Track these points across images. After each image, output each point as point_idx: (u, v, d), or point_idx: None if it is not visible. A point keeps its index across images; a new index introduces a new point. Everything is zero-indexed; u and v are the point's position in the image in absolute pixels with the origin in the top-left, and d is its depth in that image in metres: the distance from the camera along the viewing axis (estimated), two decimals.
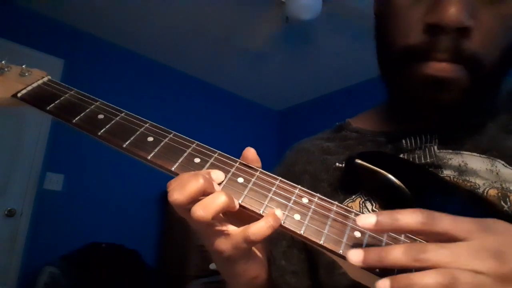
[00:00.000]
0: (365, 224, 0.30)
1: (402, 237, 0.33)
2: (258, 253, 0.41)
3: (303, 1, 2.15)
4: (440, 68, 0.41)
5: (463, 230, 0.28)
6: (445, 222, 0.28)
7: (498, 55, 0.42)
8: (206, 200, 0.33)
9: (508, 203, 0.40)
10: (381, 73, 0.51)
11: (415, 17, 0.42)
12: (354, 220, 0.35)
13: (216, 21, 2.68)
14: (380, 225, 0.29)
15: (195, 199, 0.33)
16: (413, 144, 0.48)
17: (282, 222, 0.34)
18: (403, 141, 0.49)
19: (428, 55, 0.42)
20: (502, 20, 0.40)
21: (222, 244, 0.35)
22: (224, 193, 0.33)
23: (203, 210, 0.32)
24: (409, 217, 0.29)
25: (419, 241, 0.33)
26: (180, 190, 0.33)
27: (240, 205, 0.36)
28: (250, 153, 0.40)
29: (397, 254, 0.28)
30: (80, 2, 2.55)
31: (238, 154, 0.40)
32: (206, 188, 0.33)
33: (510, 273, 0.26)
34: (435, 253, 0.27)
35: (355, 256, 0.29)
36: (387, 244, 0.33)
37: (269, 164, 0.59)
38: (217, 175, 0.37)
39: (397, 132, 0.51)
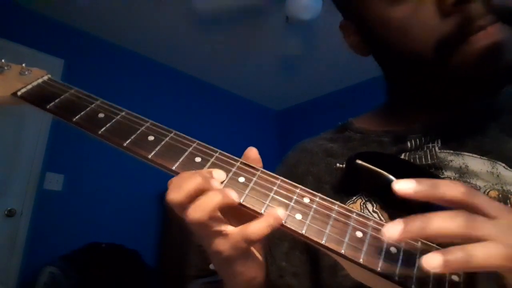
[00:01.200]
0: (405, 189, 0.29)
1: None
2: (257, 254, 0.40)
3: (303, 1, 2.15)
4: (489, 34, 0.40)
5: (496, 209, 0.28)
6: (482, 197, 0.28)
7: None
8: (201, 201, 0.33)
9: (509, 205, 0.40)
10: (406, 77, 0.50)
11: (429, 12, 0.42)
12: (356, 220, 0.34)
13: (216, 21, 2.68)
14: (419, 193, 0.28)
15: (192, 198, 0.33)
16: (417, 144, 0.48)
17: (284, 221, 0.34)
18: (408, 142, 0.49)
19: (470, 29, 0.40)
20: None
21: (220, 245, 0.34)
22: (219, 192, 0.33)
23: (198, 211, 0.32)
24: (451, 187, 0.28)
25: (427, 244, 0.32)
26: (177, 190, 0.33)
27: (241, 205, 0.35)
28: (252, 152, 0.39)
29: (443, 220, 0.26)
30: (80, 2, 2.55)
31: (237, 154, 0.40)
32: (203, 187, 0.33)
33: None
34: (484, 224, 0.26)
35: (394, 229, 0.27)
36: (388, 243, 0.32)
37: (268, 164, 0.59)
38: (219, 175, 0.36)
39: (401, 132, 0.51)
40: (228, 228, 0.35)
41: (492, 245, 0.25)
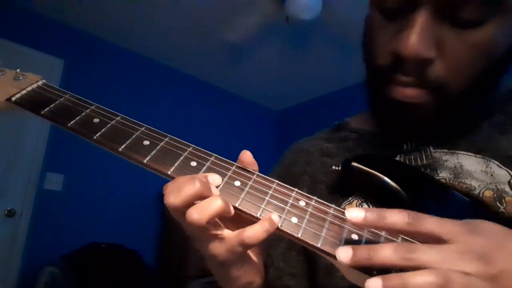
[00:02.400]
0: (353, 217, 0.30)
1: (399, 240, 0.33)
2: (254, 258, 0.40)
3: (303, 1, 2.15)
4: (404, 93, 0.42)
5: (448, 232, 0.28)
6: (431, 223, 0.29)
7: (468, 80, 0.41)
8: (202, 204, 0.33)
9: (504, 204, 0.41)
10: (365, 83, 0.52)
11: (385, 39, 0.43)
12: (351, 223, 0.35)
13: (216, 21, 2.68)
14: (367, 221, 0.30)
15: (191, 203, 0.33)
16: (413, 145, 0.48)
17: (279, 225, 0.34)
18: (403, 143, 0.49)
19: (394, 78, 0.42)
20: (470, 47, 0.40)
21: (216, 248, 0.35)
22: (221, 198, 0.33)
23: (198, 213, 0.32)
24: (396, 217, 0.29)
25: (416, 243, 0.32)
26: (176, 194, 0.33)
27: (237, 209, 0.35)
28: (246, 156, 0.39)
29: (386, 252, 0.28)
30: (80, 2, 2.55)
31: (237, 154, 0.40)
32: (202, 192, 0.33)
33: (497, 273, 0.26)
34: (425, 252, 0.27)
35: (344, 253, 0.29)
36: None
37: (268, 164, 0.59)
38: (214, 179, 0.36)
39: (396, 133, 0.51)
40: (225, 232, 0.35)
41: (427, 274, 0.26)
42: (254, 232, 0.33)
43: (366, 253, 0.29)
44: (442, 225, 0.29)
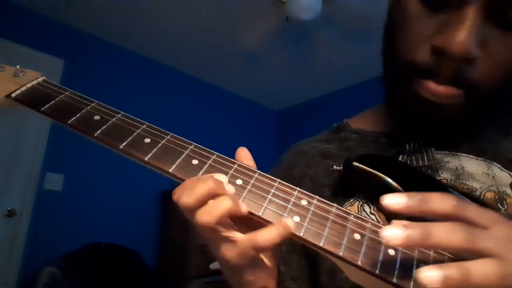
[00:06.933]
0: (395, 204, 0.28)
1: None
2: (268, 262, 0.39)
3: (303, 1, 2.15)
4: (436, 92, 0.40)
5: (488, 219, 0.27)
6: (473, 208, 0.28)
7: (502, 82, 0.40)
8: (210, 205, 0.32)
9: (505, 206, 0.40)
10: (383, 78, 0.51)
11: (425, 33, 0.40)
12: (353, 222, 0.34)
13: (216, 21, 2.68)
14: (411, 207, 0.28)
15: (202, 203, 0.33)
16: (415, 146, 0.48)
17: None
18: (406, 144, 0.48)
19: (429, 75, 0.40)
20: None
21: (228, 252, 0.34)
22: (229, 198, 0.33)
23: (207, 214, 0.32)
24: (441, 201, 0.28)
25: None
26: (189, 193, 0.32)
27: None
28: (244, 151, 0.40)
29: (445, 232, 0.26)
30: (80, 2, 2.55)
31: None
32: (216, 190, 0.33)
33: None
34: (482, 236, 0.26)
35: (393, 232, 0.26)
36: (386, 247, 0.32)
37: (269, 164, 0.59)
38: (220, 179, 0.36)
39: (398, 133, 0.50)
40: (236, 235, 0.34)
41: (491, 263, 0.24)
42: (268, 236, 0.32)
43: (420, 233, 0.26)
44: (482, 212, 0.28)
